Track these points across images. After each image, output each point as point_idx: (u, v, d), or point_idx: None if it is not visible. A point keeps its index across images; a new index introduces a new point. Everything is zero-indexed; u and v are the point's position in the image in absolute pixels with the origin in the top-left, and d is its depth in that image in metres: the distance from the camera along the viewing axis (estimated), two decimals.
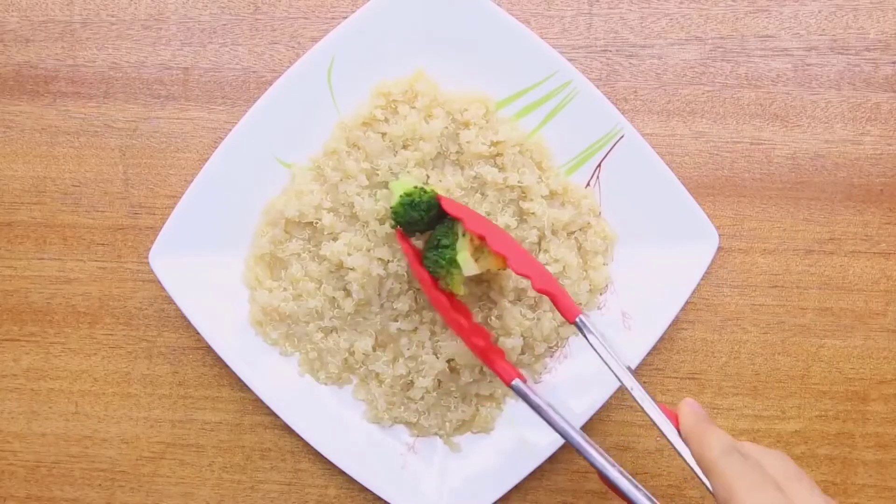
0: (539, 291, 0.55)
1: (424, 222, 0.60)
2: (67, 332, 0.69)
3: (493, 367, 0.57)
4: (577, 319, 0.54)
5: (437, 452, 0.66)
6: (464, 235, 0.59)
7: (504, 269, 0.61)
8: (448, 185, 0.63)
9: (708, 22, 0.66)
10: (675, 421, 0.51)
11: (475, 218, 0.58)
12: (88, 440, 0.69)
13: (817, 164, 0.67)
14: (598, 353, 0.54)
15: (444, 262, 0.60)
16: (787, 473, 0.45)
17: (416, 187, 0.60)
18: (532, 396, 0.55)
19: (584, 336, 0.54)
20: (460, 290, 0.61)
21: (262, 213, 0.65)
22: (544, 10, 0.67)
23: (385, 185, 0.63)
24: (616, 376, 0.53)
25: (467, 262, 0.58)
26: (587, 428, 0.66)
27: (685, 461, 0.49)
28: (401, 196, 0.60)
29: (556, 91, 0.63)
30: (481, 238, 0.57)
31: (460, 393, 0.65)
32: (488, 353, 0.57)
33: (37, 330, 0.69)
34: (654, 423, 0.51)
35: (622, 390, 0.67)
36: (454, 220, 0.61)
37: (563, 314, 0.55)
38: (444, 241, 0.60)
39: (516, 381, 0.55)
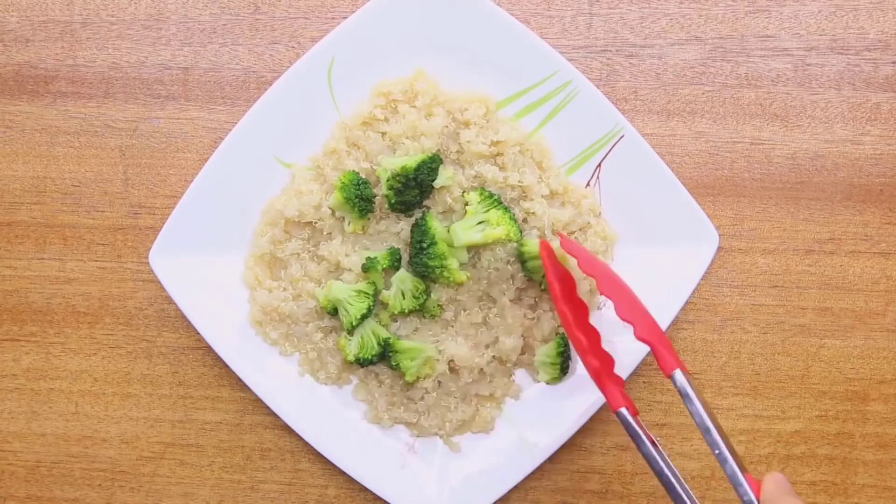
0: (639, 339, 0.55)
1: (407, 201, 0.62)
2: (67, 332, 0.69)
3: (604, 389, 0.56)
4: (673, 374, 0.53)
5: (437, 452, 0.66)
6: (465, 212, 0.61)
7: (506, 240, 0.62)
8: (448, 185, 0.63)
9: (708, 22, 0.66)
10: (758, 491, 0.50)
11: (589, 260, 0.58)
12: (88, 440, 0.69)
13: (817, 164, 0.67)
14: (692, 415, 0.52)
15: (433, 261, 0.60)
16: None
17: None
18: (634, 427, 0.54)
19: (680, 394, 0.52)
20: (461, 279, 0.62)
21: (262, 213, 0.65)
22: (544, 10, 0.67)
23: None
24: (710, 444, 0.51)
25: (465, 233, 0.61)
26: (587, 428, 0.66)
27: None
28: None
29: (556, 91, 0.63)
30: (593, 277, 0.57)
31: (460, 393, 0.65)
32: (601, 376, 0.57)
33: (37, 330, 0.69)
34: (740, 493, 0.50)
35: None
36: (425, 216, 0.62)
37: (660, 366, 0.54)
38: (425, 242, 0.61)
39: (622, 410, 0.55)
